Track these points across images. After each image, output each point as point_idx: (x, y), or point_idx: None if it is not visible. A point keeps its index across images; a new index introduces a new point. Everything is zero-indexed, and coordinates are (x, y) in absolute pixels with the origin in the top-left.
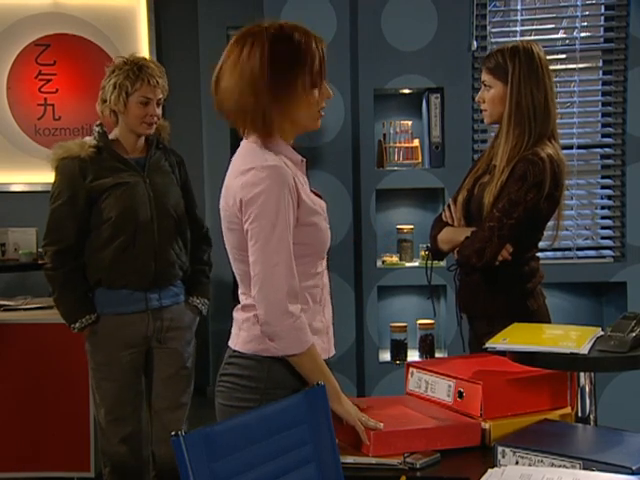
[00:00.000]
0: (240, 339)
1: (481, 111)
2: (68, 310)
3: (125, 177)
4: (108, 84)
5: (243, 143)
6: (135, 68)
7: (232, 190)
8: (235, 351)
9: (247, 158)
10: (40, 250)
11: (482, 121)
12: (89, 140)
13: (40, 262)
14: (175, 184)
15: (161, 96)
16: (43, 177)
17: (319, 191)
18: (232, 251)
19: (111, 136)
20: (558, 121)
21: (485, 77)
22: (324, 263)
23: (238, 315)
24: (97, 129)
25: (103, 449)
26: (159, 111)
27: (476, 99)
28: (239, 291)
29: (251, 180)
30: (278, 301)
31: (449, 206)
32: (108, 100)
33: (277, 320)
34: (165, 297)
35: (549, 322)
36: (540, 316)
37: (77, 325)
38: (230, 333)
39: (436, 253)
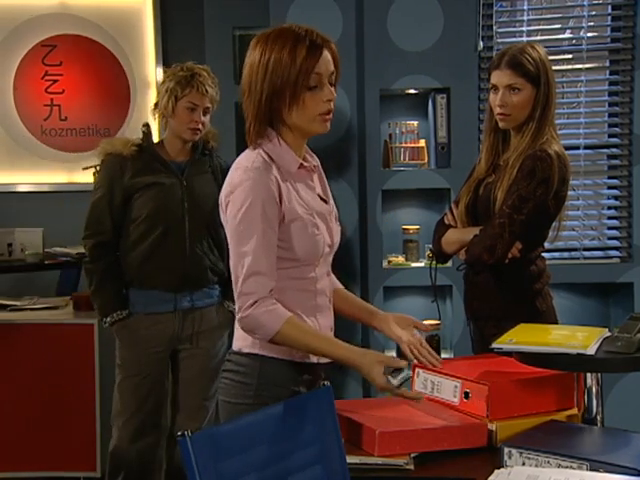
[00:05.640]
0: (234, 337)
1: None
2: (103, 304)
3: (161, 178)
4: (161, 89)
5: None
6: (188, 75)
7: (223, 188)
8: (230, 348)
9: (240, 157)
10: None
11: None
12: (134, 139)
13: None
14: (215, 190)
15: (209, 105)
16: (49, 177)
17: (328, 193)
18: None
19: (160, 138)
20: (565, 121)
21: (515, 80)
22: (318, 270)
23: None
24: (143, 129)
25: (115, 450)
26: (205, 119)
27: (496, 103)
28: None
29: (235, 180)
30: (239, 294)
31: (451, 209)
32: (160, 104)
33: (242, 310)
34: (197, 298)
35: (557, 323)
36: (548, 317)
37: (108, 319)
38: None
39: (440, 256)
